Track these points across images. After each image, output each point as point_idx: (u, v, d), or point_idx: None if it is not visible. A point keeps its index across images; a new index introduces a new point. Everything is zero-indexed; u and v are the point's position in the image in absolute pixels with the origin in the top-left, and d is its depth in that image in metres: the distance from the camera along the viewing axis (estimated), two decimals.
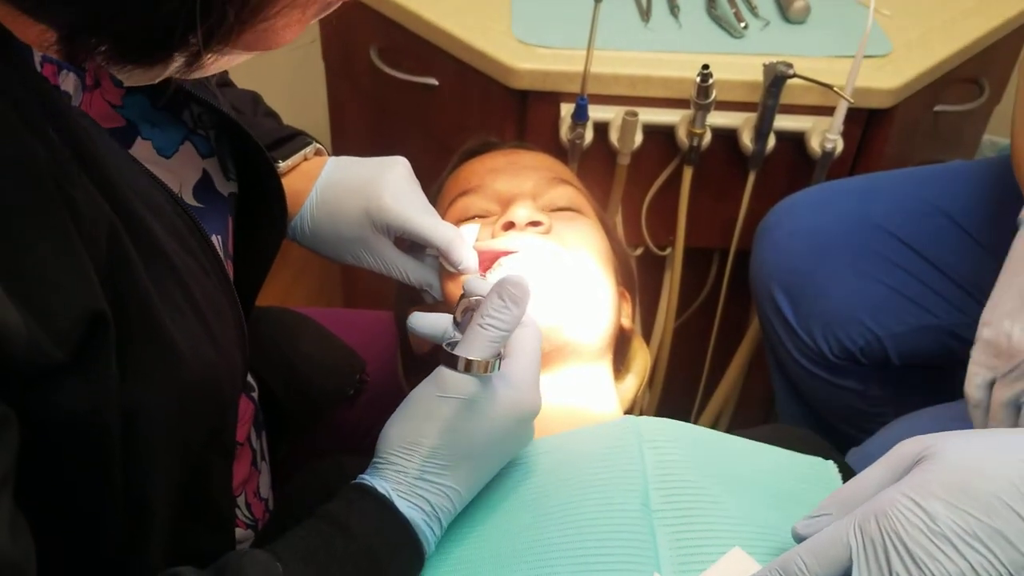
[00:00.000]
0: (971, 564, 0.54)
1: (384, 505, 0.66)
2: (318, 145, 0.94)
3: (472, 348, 0.67)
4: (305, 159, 0.93)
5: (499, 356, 0.69)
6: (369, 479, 0.68)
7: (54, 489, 0.59)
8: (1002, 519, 0.53)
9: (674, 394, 1.59)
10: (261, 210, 0.83)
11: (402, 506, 0.66)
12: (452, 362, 0.67)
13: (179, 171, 0.75)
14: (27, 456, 0.54)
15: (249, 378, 0.93)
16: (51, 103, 0.55)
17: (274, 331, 1.09)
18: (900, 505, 0.56)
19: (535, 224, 0.88)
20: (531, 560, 0.68)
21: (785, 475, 0.77)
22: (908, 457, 0.60)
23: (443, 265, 0.89)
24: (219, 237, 0.75)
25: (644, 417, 0.80)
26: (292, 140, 0.92)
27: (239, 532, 0.87)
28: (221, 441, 0.73)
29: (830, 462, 0.80)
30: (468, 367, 0.67)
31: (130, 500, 0.62)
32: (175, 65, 0.55)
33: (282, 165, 0.90)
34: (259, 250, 0.84)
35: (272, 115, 0.98)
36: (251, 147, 0.79)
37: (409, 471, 0.67)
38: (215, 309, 0.67)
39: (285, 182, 0.90)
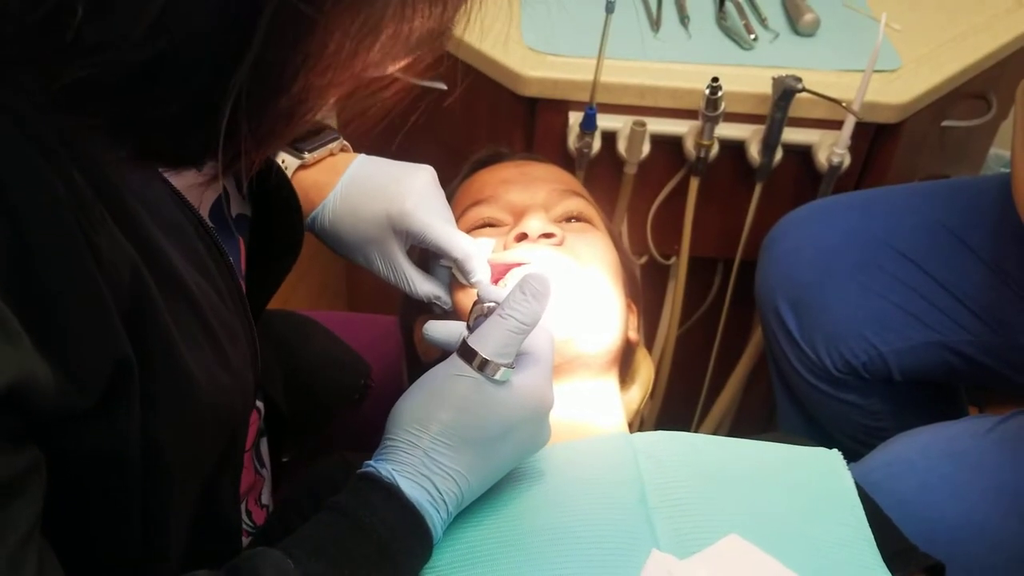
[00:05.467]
0: None
1: (390, 492, 0.66)
2: (344, 142, 0.95)
3: (490, 338, 0.68)
4: (331, 154, 0.93)
5: (511, 364, 0.69)
6: (375, 464, 0.68)
7: (73, 517, 0.60)
8: None
9: (675, 403, 1.60)
10: (276, 229, 0.83)
11: (406, 487, 0.66)
12: (469, 356, 0.68)
13: (203, 187, 0.76)
14: (48, 487, 0.55)
15: None
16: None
17: (280, 334, 1.09)
18: None
19: (548, 236, 0.88)
20: (538, 545, 0.70)
21: (787, 466, 0.78)
22: None
23: (456, 277, 0.89)
24: (231, 258, 0.76)
25: (637, 433, 0.82)
26: (319, 134, 0.93)
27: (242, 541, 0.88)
28: (232, 458, 0.74)
29: (835, 451, 0.81)
30: (483, 367, 0.67)
31: (147, 524, 0.63)
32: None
33: (308, 157, 0.90)
34: (271, 267, 0.84)
35: None
36: (272, 169, 0.80)
37: (416, 451, 0.67)
38: (229, 332, 0.68)
39: (310, 173, 0.91)
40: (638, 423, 1.57)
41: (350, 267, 1.85)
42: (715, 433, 1.57)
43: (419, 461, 0.67)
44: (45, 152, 0.51)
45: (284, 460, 1.05)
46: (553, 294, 0.71)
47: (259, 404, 0.94)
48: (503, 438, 0.69)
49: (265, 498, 0.96)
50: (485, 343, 0.68)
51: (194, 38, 0.43)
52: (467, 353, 0.68)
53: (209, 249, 0.68)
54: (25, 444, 0.53)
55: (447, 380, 0.68)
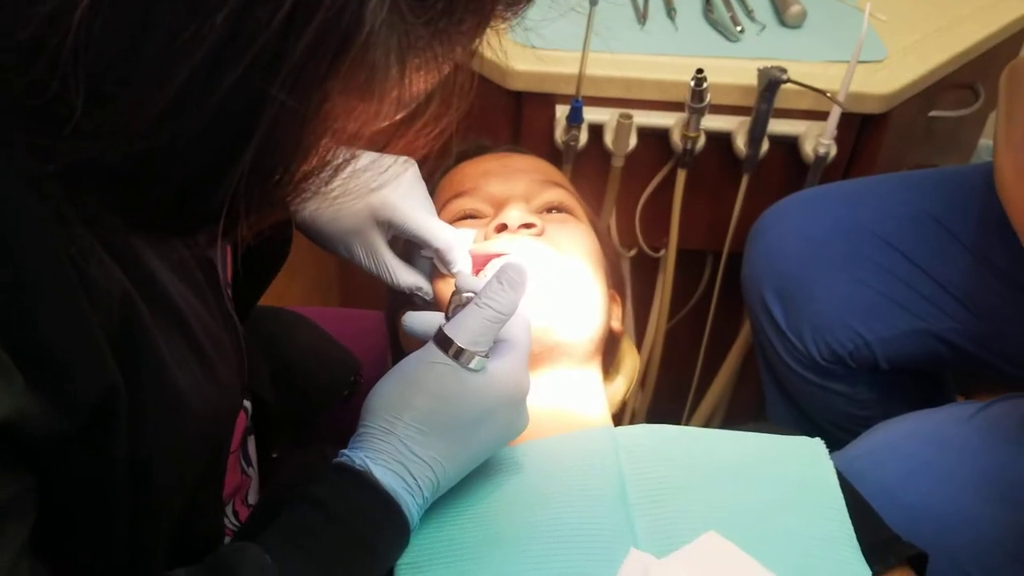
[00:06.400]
0: None
1: (362, 480, 0.66)
2: None
3: (466, 327, 0.68)
4: None
5: (486, 353, 0.69)
6: (348, 452, 0.68)
7: (61, 532, 0.60)
8: None
9: (665, 397, 1.60)
10: (266, 232, 0.83)
11: (379, 473, 0.66)
12: (445, 345, 0.68)
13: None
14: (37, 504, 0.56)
15: None
16: None
17: (269, 331, 1.09)
18: None
19: (528, 226, 0.89)
20: (518, 541, 0.70)
21: (769, 457, 0.78)
22: None
23: (437, 267, 0.89)
24: (218, 264, 0.76)
25: (620, 427, 0.82)
26: None
27: (226, 541, 0.88)
28: (216, 464, 0.74)
29: (817, 439, 0.81)
30: (458, 355, 0.68)
31: (134, 536, 0.64)
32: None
33: None
34: (259, 271, 0.84)
35: None
36: None
37: (390, 438, 0.67)
38: (216, 345, 0.68)
39: None
40: (629, 416, 1.58)
41: (343, 265, 1.85)
42: (707, 426, 1.58)
43: (393, 448, 0.67)
44: (34, 184, 0.51)
45: (274, 456, 1.05)
46: (531, 283, 0.72)
47: (246, 403, 0.94)
48: (479, 425, 0.69)
49: (252, 498, 0.96)
50: (461, 332, 0.68)
51: (192, 134, 0.43)
52: (443, 341, 0.68)
53: (196, 257, 0.68)
54: (16, 469, 0.54)
55: (422, 367, 0.68)
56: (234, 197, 0.46)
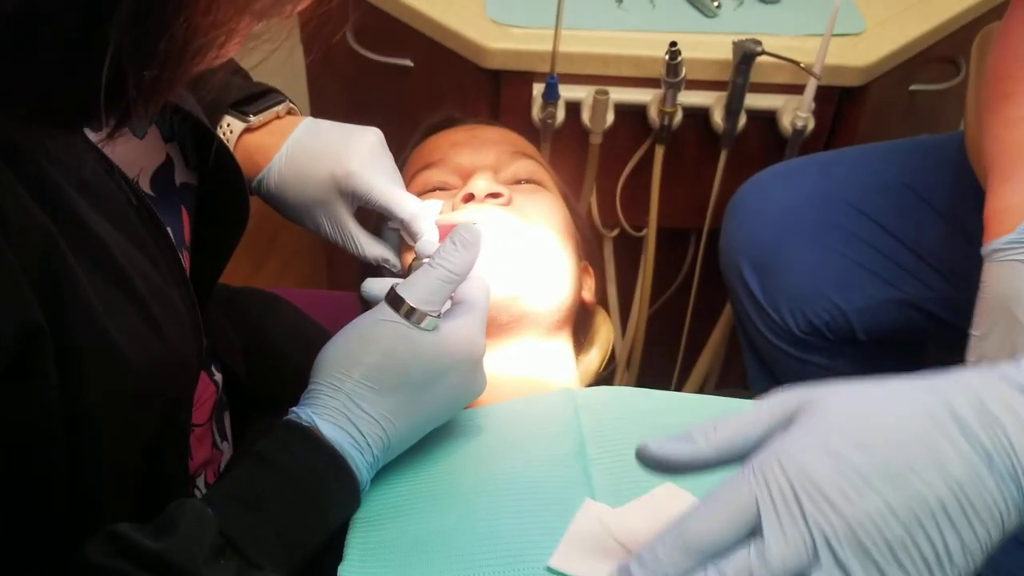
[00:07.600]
0: (885, 501, 0.49)
1: (308, 435, 0.65)
2: (291, 104, 0.94)
3: (418, 286, 0.68)
4: (277, 116, 0.92)
5: (439, 313, 0.69)
6: (296, 410, 0.67)
7: None
8: (909, 452, 0.50)
9: (651, 377, 1.59)
10: (221, 200, 0.83)
11: (326, 429, 0.65)
12: (396, 304, 0.68)
13: (144, 154, 0.75)
14: None
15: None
16: None
17: (246, 310, 1.09)
18: (801, 448, 0.52)
19: (495, 196, 0.88)
20: (471, 497, 0.69)
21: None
22: (790, 405, 0.55)
23: (404, 238, 0.89)
24: (171, 228, 0.75)
25: (580, 389, 0.81)
26: (264, 96, 0.92)
27: None
28: (174, 430, 0.73)
29: None
30: (409, 314, 0.67)
31: (76, 495, 0.63)
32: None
33: (253, 120, 0.90)
34: (219, 239, 0.84)
35: (242, 73, 0.96)
36: (212, 137, 0.80)
37: (339, 394, 0.66)
38: (164, 303, 0.67)
39: (255, 136, 0.90)
40: None
41: (333, 256, 1.85)
42: None
43: (341, 404, 0.66)
44: None
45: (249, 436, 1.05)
46: (486, 244, 0.71)
47: (217, 377, 0.94)
48: (431, 384, 0.69)
49: None
50: (412, 291, 0.68)
51: None
52: (394, 300, 0.68)
53: (142, 217, 0.67)
54: None
55: (372, 326, 0.68)
56: (119, 60, 0.44)
